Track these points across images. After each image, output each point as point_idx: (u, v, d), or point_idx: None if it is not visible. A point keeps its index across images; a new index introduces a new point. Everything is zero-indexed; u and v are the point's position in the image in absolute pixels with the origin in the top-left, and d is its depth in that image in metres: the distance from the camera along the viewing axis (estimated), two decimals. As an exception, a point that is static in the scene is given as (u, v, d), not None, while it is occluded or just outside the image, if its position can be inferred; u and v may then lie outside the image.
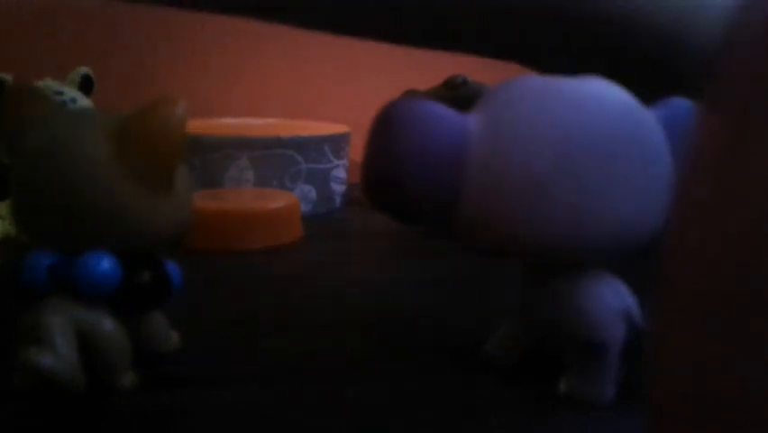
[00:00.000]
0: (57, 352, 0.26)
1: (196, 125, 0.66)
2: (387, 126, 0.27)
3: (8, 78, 0.51)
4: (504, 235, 0.27)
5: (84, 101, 0.56)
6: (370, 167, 0.28)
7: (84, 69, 0.58)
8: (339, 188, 0.67)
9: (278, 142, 0.62)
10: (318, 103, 0.87)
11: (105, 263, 0.28)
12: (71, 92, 0.56)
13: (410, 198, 0.28)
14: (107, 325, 0.28)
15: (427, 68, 0.89)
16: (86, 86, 0.57)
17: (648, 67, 0.32)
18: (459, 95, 0.62)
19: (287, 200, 0.56)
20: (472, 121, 0.28)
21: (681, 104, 0.29)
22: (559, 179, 0.27)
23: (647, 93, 0.28)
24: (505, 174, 0.27)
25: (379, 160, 0.27)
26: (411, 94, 0.67)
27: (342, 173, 0.67)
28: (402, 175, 0.27)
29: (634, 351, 0.29)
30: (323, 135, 0.65)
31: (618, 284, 0.29)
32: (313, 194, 0.65)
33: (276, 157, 0.62)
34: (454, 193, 0.28)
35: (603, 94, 0.28)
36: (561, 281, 0.29)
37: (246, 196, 0.58)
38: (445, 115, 0.28)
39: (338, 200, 0.68)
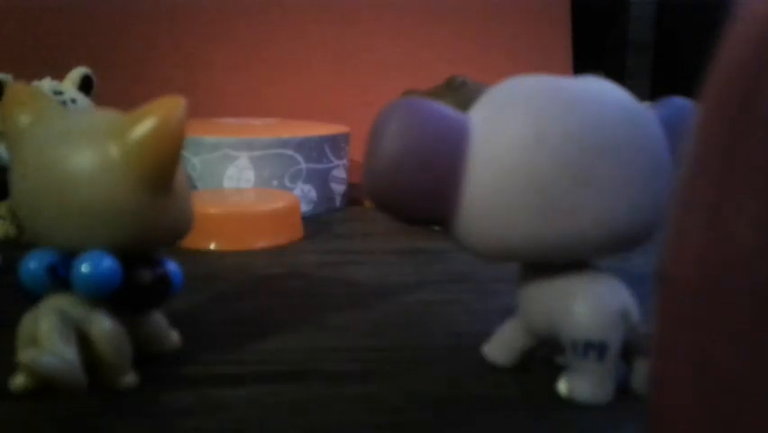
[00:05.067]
0: (57, 352, 0.26)
1: (196, 125, 0.66)
2: (387, 126, 0.27)
3: (8, 78, 0.51)
4: (504, 235, 0.27)
5: (84, 101, 0.56)
6: (371, 167, 0.28)
7: (84, 69, 0.58)
8: (339, 188, 0.67)
9: (278, 143, 0.62)
10: (318, 103, 0.87)
11: (105, 263, 0.28)
12: (71, 92, 0.56)
13: (410, 199, 0.28)
14: (107, 325, 0.28)
15: (427, 68, 0.90)
16: (86, 86, 0.57)
17: None
18: (459, 95, 0.62)
19: (287, 200, 0.56)
20: (472, 121, 0.28)
21: (680, 103, 0.29)
22: (558, 179, 0.27)
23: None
24: (504, 174, 0.27)
25: (380, 160, 0.27)
26: (411, 94, 0.68)
27: (342, 173, 0.68)
28: (402, 175, 0.27)
29: (633, 351, 0.29)
30: (323, 135, 0.65)
31: (617, 284, 0.29)
32: (313, 194, 0.65)
33: (276, 157, 0.62)
34: (454, 193, 0.28)
35: (602, 93, 0.28)
36: (559, 282, 0.29)
37: (246, 196, 0.58)
38: (445, 115, 0.28)
39: (338, 200, 0.68)
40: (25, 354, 0.26)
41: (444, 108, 0.28)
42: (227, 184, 0.61)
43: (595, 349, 0.28)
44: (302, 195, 0.63)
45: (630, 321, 0.29)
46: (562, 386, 0.29)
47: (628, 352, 0.29)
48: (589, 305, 0.28)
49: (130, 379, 0.30)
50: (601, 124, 0.27)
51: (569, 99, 0.27)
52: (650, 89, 0.94)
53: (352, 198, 0.71)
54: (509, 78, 0.29)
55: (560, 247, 0.27)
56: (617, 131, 0.27)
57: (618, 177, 0.27)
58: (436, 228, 0.29)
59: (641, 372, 0.29)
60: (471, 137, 0.28)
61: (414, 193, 0.27)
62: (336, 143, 0.66)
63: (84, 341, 0.28)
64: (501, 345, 0.32)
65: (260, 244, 0.53)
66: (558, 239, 0.27)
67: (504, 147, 0.27)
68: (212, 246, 0.52)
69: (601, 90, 0.28)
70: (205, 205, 0.53)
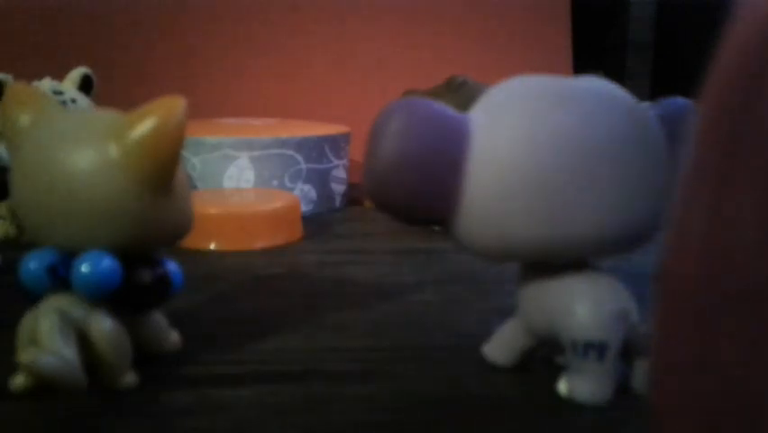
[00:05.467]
0: (57, 352, 0.26)
1: (196, 125, 0.66)
2: (387, 127, 0.27)
3: (8, 78, 0.51)
4: (504, 235, 0.27)
5: (84, 101, 0.56)
6: (371, 168, 0.28)
7: (84, 69, 0.58)
8: (339, 188, 0.67)
9: (278, 143, 0.62)
10: (318, 103, 0.87)
11: (105, 263, 0.28)
12: (71, 92, 0.56)
13: (410, 199, 0.28)
14: (107, 325, 0.28)
15: (427, 68, 0.90)
16: (86, 86, 0.57)
17: None
18: (459, 95, 0.62)
19: (287, 200, 0.56)
20: (472, 121, 0.28)
21: (680, 103, 0.29)
22: (558, 180, 0.27)
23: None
24: (504, 174, 0.27)
25: (379, 160, 0.27)
26: (411, 94, 0.68)
27: (342, 173, 0.67)
28: (402, 176, 0.27)
29: (633, 351, 0.29)
30: (323, 135, 0.65)
31: (617, 284, 0.29)
32: (313, 194, 0.65)
33: (276, 157, 0.62)
34: (454, 193, 0.28)
35: (603, 94, 0.28)
36: (559, 282, 0.29)
37: (246, 196, 0.58)
38: (445, 115, 0.28)
39: (338, 200, 0.68)
40: (25, 354, 0.26)
41: (444, 108, 0.28)
42: (227, 184, 0.61)
43: (595, 349, 0.28)
44: (302, 195, 0.63)
45: (630, 321, 0.29)
46: (562, 386, 0.29)
47: (628, 352, 0.29)
48: (590, 305, 0.28)
49: (130, 379, 0.30)
50: (601, 124, 0.27)
51: (569, 99, 0.27)
52: (650, 89, 0.94)
53: (351, 198, 0.71)
54: (509, 78, 0.29)
55: (560, 247, 0.27)
56: (617, 131, 0.27)
57: (618, 177, 0.27)
58: (436, 228, 0.29)
59: (641, 372, 0.29)
60: (472, 138, 0.28)
61: (414, 193, 0.27)
62: (336, 143, 0.66)
63: (84, 341, 0.28)
64: (501, 346, 0.32)
65: (260, 244, 0.53)
66: (558, 239, 0.27)
67: (504, 148, 0.27)
68: (212, 246, 0.52)
69: (602, 90, 0.28)
70: (205, 205, 0.53)
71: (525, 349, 0.32)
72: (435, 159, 0.27)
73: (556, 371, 0.31)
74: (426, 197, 0.27)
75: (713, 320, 0.12)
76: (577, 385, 0.29)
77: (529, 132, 0.27)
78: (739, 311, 0.11)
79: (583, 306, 0.28)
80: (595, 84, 0.29)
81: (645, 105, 0.30)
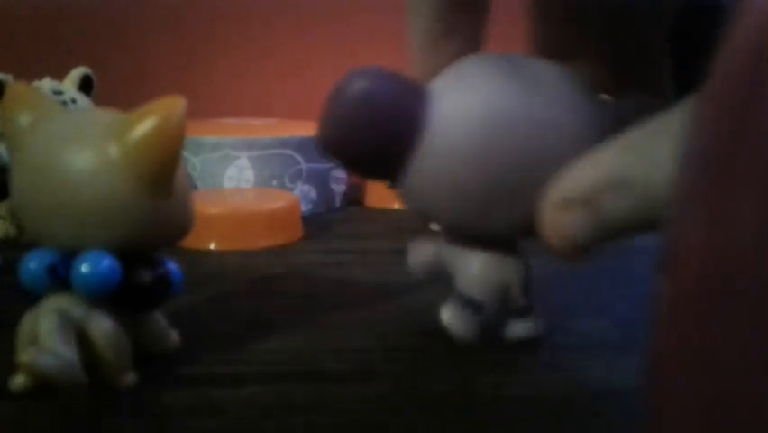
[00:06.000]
0: (57, 352, 0.26)
1: (196, 125, 0.66)
2: (350, 86, 0.30)
3: (8, 78, 0.51)
4: (434, 209, 0.30)
5: (84, 101, 0.56)
6: (327, 125, 0.30)
7: (84, 69, 0.58)
8: (339, 188, 0.67)
9: (278, 142, 0.62)
10: (318, 103, 0.87)
11: (105, 263, 0.28)
12: (71, 92, 0.56)
13: (364, 153, 0.29)
14: (107, 325, 0.28)
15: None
16: (86, 86, 0.57)
17: None
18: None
19: (287, 200, 0.56)
20: (430, 92, 0.29)
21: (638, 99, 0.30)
22: (499, 166, 0.27)
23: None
24: (438, 152, 0.28)
25: (334, 124, 0.30)
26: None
27: (342, 173, 0.67)
28: (361, 131, 0.29)
29: (509, 314, 0.32)
30: (323, 135, 0.64)
31: (512, 261, 0.31)
32: (313, 194, 0.65)
33: (276, 157, 0.62)
34: (405, 159, 0.29)
35: (550, 78, 0.28)
36: (463, 250, 0.32)
37: (246, 196, 0.58)
38: (406, 80, 0.30)
39: (338, 200, 0.68)
40: (25, 355, 0.26)
41: (405, 79, 0.30)
42: (228, 184, 0.61)
43: (472, 306, 0.31)
44: (302, 195, 0.63)
45: (510, 294, 0.32)
46: (444, 315, 0.33)
47: (507, 313, 0.32)
48: (471, 272, 0.31)
49: (129, 379, 0.29)
50: (540, 109, 0.28)
51: (508, 81, 0.28)
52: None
53: (351, 198, 0.71)
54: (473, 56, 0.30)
55: (491, 233, 0.30)
56: (564, 118, 0.28)
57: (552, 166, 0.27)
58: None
59: (513, 327, 0.32)
60: (430, 106, 0.29)
61: (364, 154, 0.29)
62: (336, 143, 0.66)
63: (84, 341, 0.28)
64: (422, 264, 0.36)
65: (260, 244, 0.53)
66: (489, 222, 0.29)
67: (442, 124, 0.28)
68: (212, 246, 0.52)
69: (548, 75, 0.29)
70: (205, 205, 0.53)
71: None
72: (389, 128, 0.28)
73: (557, 372, 0.31)
74: (377, 159, 0.29)
75: (713, 320, 0.12)
76: (454, 323, 0.32)
77: (462, 110, 0.28)
78: (739, 311, 0.11)
79: (466, 271, 0.32)
80: (547, 67, 0.29)
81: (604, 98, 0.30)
